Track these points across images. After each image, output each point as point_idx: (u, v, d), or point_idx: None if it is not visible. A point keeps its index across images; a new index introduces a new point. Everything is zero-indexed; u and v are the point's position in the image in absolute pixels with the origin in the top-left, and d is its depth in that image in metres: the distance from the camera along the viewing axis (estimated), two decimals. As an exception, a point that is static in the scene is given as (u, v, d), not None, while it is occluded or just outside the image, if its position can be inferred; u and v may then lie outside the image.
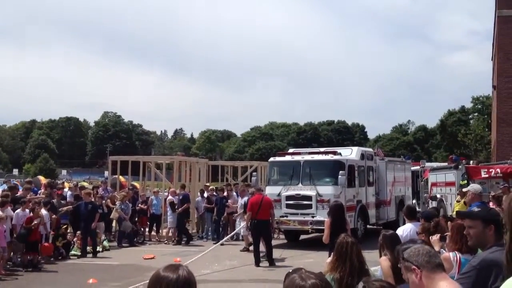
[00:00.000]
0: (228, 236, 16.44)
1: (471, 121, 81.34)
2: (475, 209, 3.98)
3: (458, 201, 14.93)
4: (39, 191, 17.06)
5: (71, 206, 15.64)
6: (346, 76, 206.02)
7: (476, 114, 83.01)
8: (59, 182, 26.05)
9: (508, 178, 16.95)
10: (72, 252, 15.13)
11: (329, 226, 9.22)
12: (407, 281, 3.01)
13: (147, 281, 2.39)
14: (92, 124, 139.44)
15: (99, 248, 15.91)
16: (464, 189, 10.49)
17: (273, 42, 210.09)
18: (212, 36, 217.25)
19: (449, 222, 6.34)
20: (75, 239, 15.55)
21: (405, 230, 6.92)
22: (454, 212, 13.34)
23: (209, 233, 19.13)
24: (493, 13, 32.22)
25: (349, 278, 4.58)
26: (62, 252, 14.74)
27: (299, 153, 18.40)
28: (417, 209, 14.07)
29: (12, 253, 13.34)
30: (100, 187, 20.46)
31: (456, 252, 5.05)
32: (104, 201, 17.38)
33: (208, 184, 21.43)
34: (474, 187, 9.50)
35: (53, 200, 15.31)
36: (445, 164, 24.22)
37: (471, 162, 21.85)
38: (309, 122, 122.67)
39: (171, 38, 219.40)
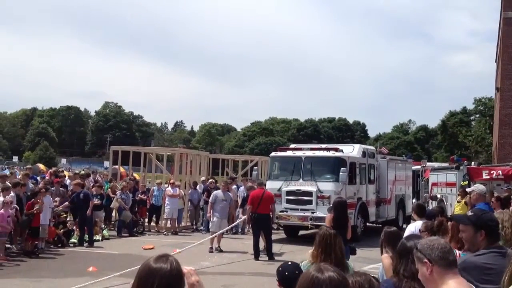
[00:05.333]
0: (226, 229, 16.31)
1: (473, 123, 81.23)
2: (469, 213, 4.00)
3: (458, 202, 14.96)
4: (44, 177, 17.13)
5: (67, 203, 15.50)
6: (347, 73, 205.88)
7: (477, 115, 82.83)
8: (60, 170, 26.05)
9: (509, 180, 16.97)
10: (72, 240, 15.14)
11: (330, 222, 9.22)
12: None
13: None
14: (92, 113, 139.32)
15: (98, 237, 15.93)
16: (468, 189, 10.46)
17: (275, 38, 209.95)
18: (214, 28, 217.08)
19: (449, 222, 6.38)
20: (74, 227, 15.57)
21: (416, 227, 6.95)
22: (455, 213, 13.37)
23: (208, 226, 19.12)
24: (498, 14, 32.17)
25: None
26: (63, 240, 14.76)
27: (300, 149, 18.40)
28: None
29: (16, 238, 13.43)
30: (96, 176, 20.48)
31: (456, 250, 5.05)
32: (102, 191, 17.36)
33: (204, 178, 21.35)
34: (479, 187, 9.48)
35: (53, 188, 15.36)
36: (446, 164, 24.23)
37: (473, 163, 21.86)
38: (310, 118, 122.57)
39: (174, 29, 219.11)
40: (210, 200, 15.67)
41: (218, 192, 15.74)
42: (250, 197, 14.29)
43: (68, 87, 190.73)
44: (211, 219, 15.51)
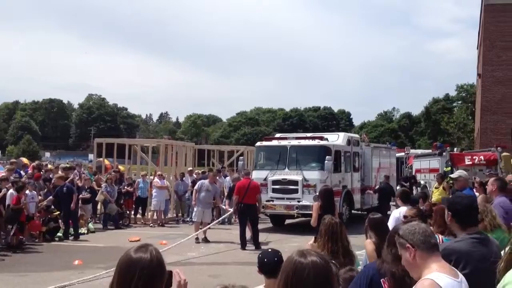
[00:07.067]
0: (215, 222, 16.38)
1: (455, 109, 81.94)
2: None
3: (436, 188, 15.13)
4: (27, 171, 16.97)
5: (51, 197, 15.35)
6: (332, 63, 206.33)
7: (460, 102, 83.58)
8: (43, 164, 25.83)
9: (491, 165, 17.21)
10: (58, 234, 15.04)
11: (317, 210, 9.29)
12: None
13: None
14: (76, 106, 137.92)
15: (84, 230, 15.85)
16: (453, 175, 10.56)
17: (262, 29, 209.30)
18: (201, 19, 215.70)
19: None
20: (59, 220, 15.45)
21: (401, 212, 7.04)
22: (433, 198, 13.57)
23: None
24: (480, 1, 32.37)
25: (342, 258, 4.65)
26: (47, 236, 14.63)
27: (286, 138, 18.45)
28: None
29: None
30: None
31: (439, 235, 5.12)
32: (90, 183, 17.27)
33: (191, 168, 21.32)
34: (461, 174, 9.60)
35: (36, 182, 15.24)
36: (429, 151, 24.48)
37: (455, 149, 22.11)
38: (295, 108, 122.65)
39: (158, 20, 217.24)
40: (195, 187, 15.62)
41: (205, 182, 15.70)
42: (236, 187, 14.31)
43: (50, 79, 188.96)
44: (195, 208, 15.50)
